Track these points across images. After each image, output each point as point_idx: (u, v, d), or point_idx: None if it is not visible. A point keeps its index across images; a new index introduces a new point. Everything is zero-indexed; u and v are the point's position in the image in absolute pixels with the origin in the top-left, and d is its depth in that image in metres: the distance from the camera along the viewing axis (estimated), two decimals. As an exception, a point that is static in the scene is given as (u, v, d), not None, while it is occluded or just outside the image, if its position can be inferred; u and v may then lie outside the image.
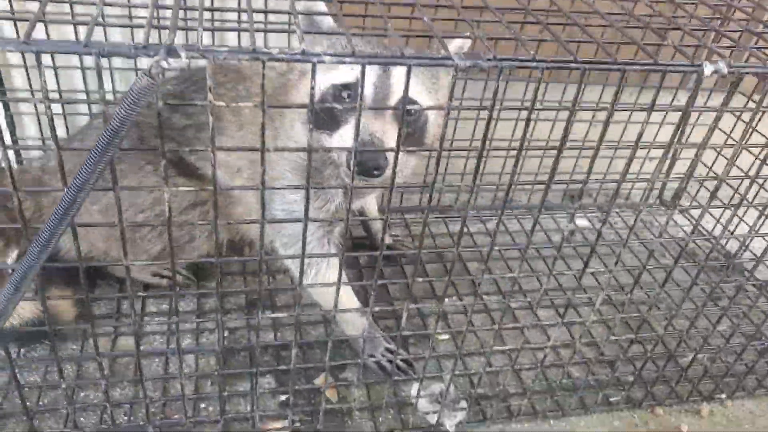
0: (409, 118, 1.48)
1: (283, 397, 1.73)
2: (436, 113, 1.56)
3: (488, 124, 1.11)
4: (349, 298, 1.82)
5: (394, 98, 1.43)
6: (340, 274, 1.27)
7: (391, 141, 1.36)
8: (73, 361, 1.72)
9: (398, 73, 1.42)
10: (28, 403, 1.31)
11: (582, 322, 1.55)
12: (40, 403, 1.63)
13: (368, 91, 1.43)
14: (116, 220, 1.80)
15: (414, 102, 1.48)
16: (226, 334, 1.91)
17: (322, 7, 1.43)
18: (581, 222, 2.74)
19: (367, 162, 1.31)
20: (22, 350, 1.76)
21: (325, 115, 1.46)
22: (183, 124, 1.80)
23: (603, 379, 1.88)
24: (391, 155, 1.29)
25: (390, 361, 1.77)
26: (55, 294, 1.78)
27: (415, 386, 1.77)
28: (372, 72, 1.42)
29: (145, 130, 1.79)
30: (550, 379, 1.90)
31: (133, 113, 0.89)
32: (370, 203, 2.25)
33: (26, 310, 1.60)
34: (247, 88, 1.83)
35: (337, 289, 1.24)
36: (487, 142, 1.14)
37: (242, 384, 1.75)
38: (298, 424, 1.66)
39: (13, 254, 1.81)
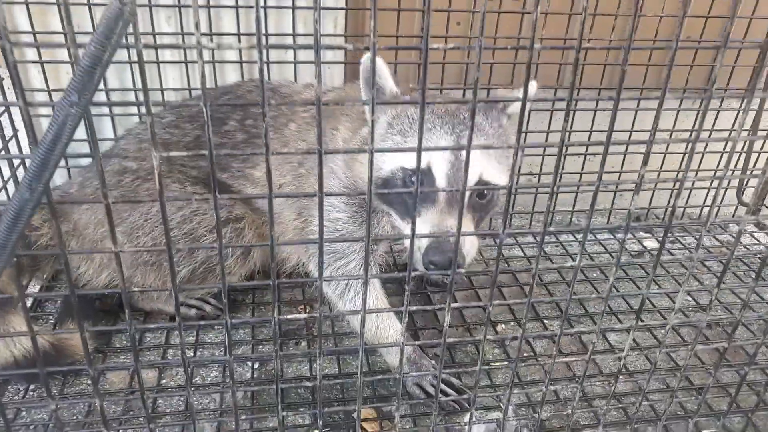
0: (483, 201, 1.43)
1: (318, 432, 1.52)
2: (507, 178, 1.48)
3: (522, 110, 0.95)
4: (391, 324, 1.68)
5: (468, 185, 1.35)
6: (366, 270, 1.09)
7: (467, 235, 1.30)
8: (84, 398, 1.57)
9: (471, 158, 1.35)
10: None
11: (664, 323, 1.31)
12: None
13: (441, 182, 1.36)
14: (138, 242, 1.71)
15: (487, 183, 1.41)
16: (257, 365, 1.74)
17: (385, 70, 1.42)
18: (650, 243, 2.51)
19: (445, 263, 1.25)
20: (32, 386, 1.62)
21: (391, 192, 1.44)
22: (217, 142, 1.73)
23: (690, 407, 1.60)
24: (466, 250, 1.27)
25: (434, 386, 1.56)
26: (71, 328, 1.66)
27: (467, 415, 1.54)
28: (444, 160, 1.35)
29: (173, 150, 1.71)
30: (626, 404, 1.63)
31: (106, 50, 0.76)
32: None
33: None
34: (291, 108, 1.81)
35: (365, 282, 1.06)
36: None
37: (273, 420, 1.55)
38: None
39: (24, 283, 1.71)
